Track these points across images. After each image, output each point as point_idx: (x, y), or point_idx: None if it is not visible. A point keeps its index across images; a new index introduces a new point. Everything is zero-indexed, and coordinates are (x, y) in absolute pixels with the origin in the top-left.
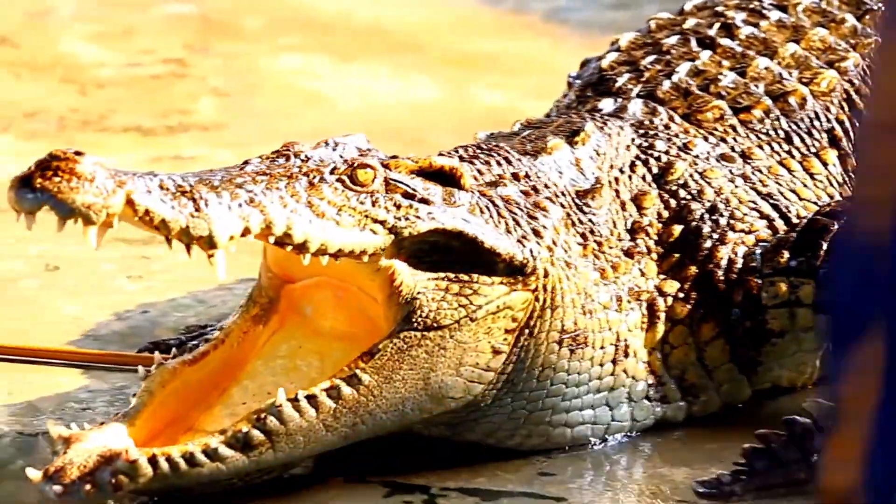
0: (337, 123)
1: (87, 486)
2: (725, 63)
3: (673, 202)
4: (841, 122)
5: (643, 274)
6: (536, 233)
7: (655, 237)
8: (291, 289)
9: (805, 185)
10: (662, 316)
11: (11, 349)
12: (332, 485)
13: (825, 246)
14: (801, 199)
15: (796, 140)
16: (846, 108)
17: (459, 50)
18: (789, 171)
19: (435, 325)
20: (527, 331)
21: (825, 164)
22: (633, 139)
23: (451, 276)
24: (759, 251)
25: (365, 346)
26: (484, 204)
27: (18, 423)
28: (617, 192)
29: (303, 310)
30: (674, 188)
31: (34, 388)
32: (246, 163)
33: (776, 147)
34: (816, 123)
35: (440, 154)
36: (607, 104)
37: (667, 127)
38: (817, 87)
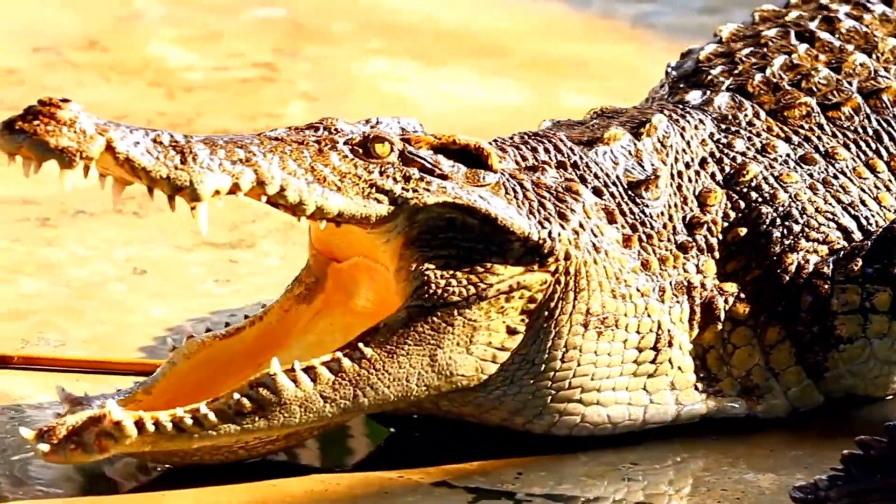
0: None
1: (72, 446)
2: (822, 57)
3: (742, 203)
4: None
5: (700, 271)
6: (562, 216)
7: (718, 236)
8: (338, 269)
9: (888, 189)
10: (722, 315)
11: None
12: (418, 489)
13: None
14: (882, 206)
15: (886, 139)
16: None
17: (546, 54)
18: (874, 172)
19: (442, 301)
20: (545, 312)
21: None
22: (711, 134)
23: (462, 253)
24: (830, 258)
25: None
26: (511, 185)
27: None
28: (679, 186)
29: (348, 290)
30: (744, 190)
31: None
32: (274, 130)
33: (863, 146)
34: None
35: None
36: (694, 96)
37: (750, 123)
38: None
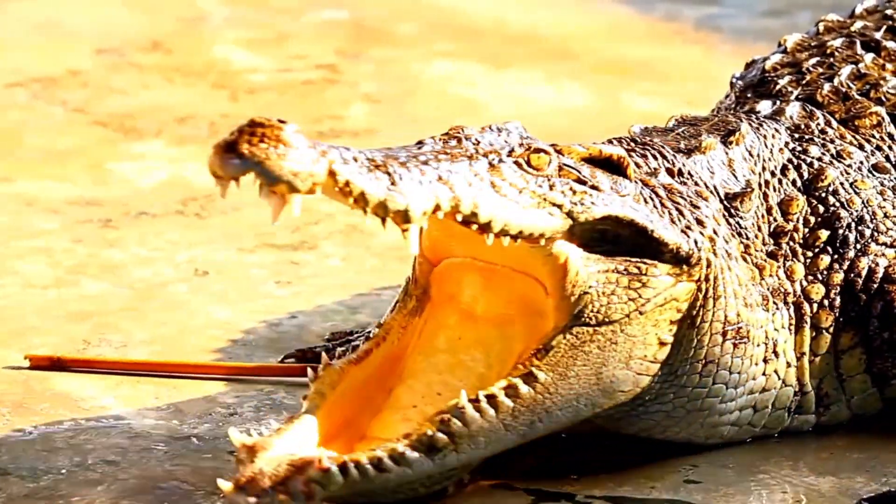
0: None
1: (281, 496)
2: (889, 66)
3: (821, 208)
4: None
5: (789, 276)
6: (700, 222)
7: (801, 241)
8: (438, 271)
9: None
10: (808, 322)
11: (153, 365)
12: (477, 492)
13: None
14: None
15: None
16: None
17: (612, 57)
18: None
19: (606, 319)
20: (688, 321)
21: None
22: (786, 142)
23: (621, 268)
24: None
25: (524, 332)
26: (647, 194)
27: (165, 428)
28: (765, 195)
29: (451, 291)
30: (823, 195)
31: (180, 392)
32: (420, 143)
33: None
34: None
35: (607, 142)
36: (765, 106)
37: (822, 132)
38: None
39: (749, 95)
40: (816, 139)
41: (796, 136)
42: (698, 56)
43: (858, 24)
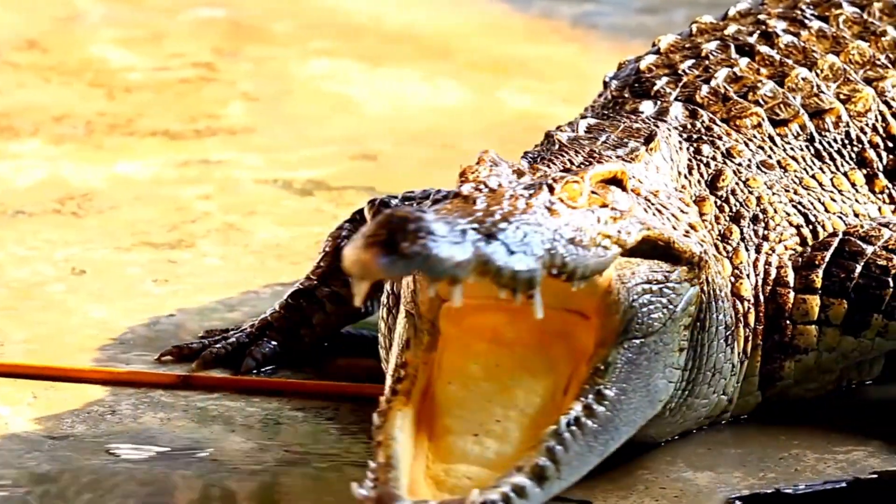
0: (366, 128)
1: None
2: (764, 71)
3: (726, 207)
4: (875, 146)
5: (720, 274)
6: (693, 227)
7: (719, 239)
8: (449, 307)
9: (833, 200)
10: (742, 320)
11: (33, 368)
12: None
13: (858, 269)
14: (828, 211)
15: (827, 159)
16: (880, 130)
17: (488, 55)
18: (820, 184)
19: (650, 330)
20: (698, 324)
21: (853, 185)
22: (680, 143)
23: (652, 279)
24: (791, 266)
25: (564, 353)
26: (644, 204)
27: (44, 428)
28: (681, 198)
29: (470, 323)
30: (724, 195)
31: (57, 391)
32: (444, 197)
33: (808, 161)
34: (849, 144)
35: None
36: (647, 107)
37: (709, 129)
38: (853, 106)
39: (627, 95)
40: (705, 138)
41: (684, 135)
42: (574, 53)
43: (732, 28)
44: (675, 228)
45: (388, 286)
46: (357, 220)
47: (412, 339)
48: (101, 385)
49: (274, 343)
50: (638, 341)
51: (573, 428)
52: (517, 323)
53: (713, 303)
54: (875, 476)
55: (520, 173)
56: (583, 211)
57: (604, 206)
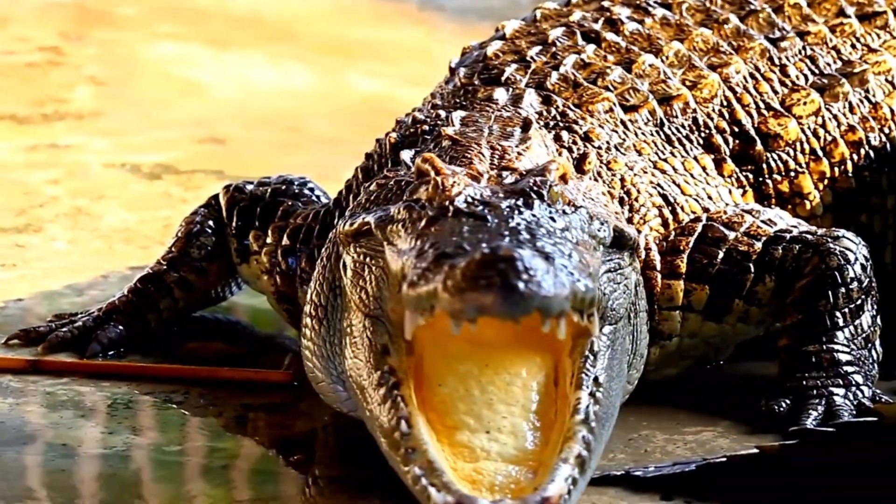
0: (214, 112)
1: None
2: (611, 58)
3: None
4: (721, 131)
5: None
6: (618, 213)
7: None
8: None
9: (687, 183)
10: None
11: None
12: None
13: (721, 255)
14: (685, 193)
15: (676, 144)
16: (726, 116)
17: (335, 38)
18: (673, 168)
19: (618, 317)
20: (641, 301)
21: (704, 169)
22: (543, 129)
23: (611, 266)
24: (656, 250)
25: (547, 346)
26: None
27: None
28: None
29: (444, 329)
30: (591, 177)
31: None
32: (444, 214)
33: (659, 146)
34: (696, 129)
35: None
36: (501, 94)
37: (564, 115)
38: (699, 92)
39: (476, 83)
40: (562, 124)
41: (541, 122)
42: (422, 36)
43: (577, 15)
44: (616, 215)
45: (311, 294)
46: (212, 205)
47: (389, 345)
48: None
49: (120, 327)
50: (611, 328)
51: (591, 416)
52: (494, 324)
53: (645, 284)
54: (724, 459)
55: (477, 178)
56: (570, 215)
57: (571, 204)
